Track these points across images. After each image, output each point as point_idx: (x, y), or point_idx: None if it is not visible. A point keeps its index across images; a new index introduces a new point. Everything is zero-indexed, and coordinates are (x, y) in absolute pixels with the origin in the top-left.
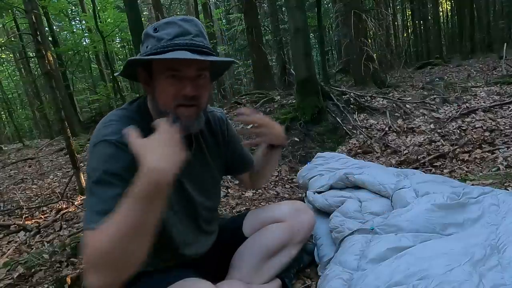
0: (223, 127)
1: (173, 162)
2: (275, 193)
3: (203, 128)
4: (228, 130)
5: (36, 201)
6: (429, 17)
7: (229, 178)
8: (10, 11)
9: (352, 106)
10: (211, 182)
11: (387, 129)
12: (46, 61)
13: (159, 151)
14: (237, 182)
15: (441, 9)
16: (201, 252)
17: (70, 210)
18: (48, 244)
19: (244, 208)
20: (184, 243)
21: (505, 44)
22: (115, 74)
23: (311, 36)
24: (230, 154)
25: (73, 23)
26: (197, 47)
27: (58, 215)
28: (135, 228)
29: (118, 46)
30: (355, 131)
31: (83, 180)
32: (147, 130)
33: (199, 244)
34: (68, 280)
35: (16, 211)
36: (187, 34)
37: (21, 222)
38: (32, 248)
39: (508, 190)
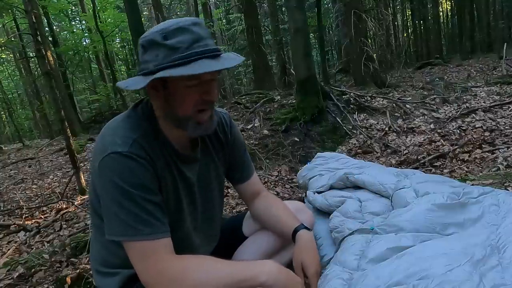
0: (226, 128)
1: None
2: (275, 193)
3: None
4: (232, 131)
5: (36, 201)
6: (429, 17)
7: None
8: (10, 11)
9: (352, 106)
10: (216, 182)
11: (387, 129)
12: (46, 61)
13: None
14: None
15: (441, 9)
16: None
17: (70, 210)
18: (48, 244)
19: (244, 208)
20: (186, 248)
21: (505, 44)
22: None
23: (311, 36)
24: (231, 156)
25: (73, 23)
26: (213, 51)
27: (58, 215)
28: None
29: (118, 46)
30: (355, 131)
31: (83, 180)
32: (154, 135)
33: (200, 250)
34: (68, 280)
35: (16, 211)
36: (201, 39)
37: (21, 222)
38: (32, 248)
39: (508, 190)
